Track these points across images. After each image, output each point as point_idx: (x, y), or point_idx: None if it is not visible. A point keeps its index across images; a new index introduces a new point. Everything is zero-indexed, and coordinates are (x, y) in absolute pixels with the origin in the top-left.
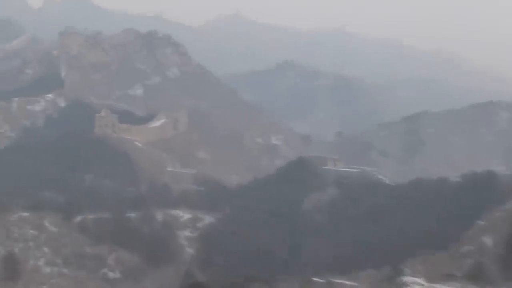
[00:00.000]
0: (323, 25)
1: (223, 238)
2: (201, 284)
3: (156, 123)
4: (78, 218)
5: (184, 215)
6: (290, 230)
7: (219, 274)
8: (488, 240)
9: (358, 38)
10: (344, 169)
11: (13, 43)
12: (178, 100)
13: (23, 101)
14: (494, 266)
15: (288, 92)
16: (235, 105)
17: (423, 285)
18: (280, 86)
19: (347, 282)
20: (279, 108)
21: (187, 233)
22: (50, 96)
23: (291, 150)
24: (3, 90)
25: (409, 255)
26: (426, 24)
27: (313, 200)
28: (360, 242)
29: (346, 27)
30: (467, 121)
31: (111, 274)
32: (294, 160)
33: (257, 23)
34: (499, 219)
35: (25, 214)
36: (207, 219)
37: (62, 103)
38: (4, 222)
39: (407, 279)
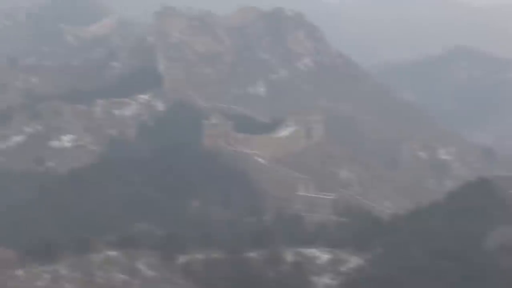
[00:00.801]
0: None
1: (374, 285)
2: None
3: (284, 132)
4: (182, 259)
5: (322, 255)
6: (465, 277)
7: None
8: None
9: None
10: None
11: (95, 27)
12: (312, 101)
13: (109, 104)
14: None
15: (461, 88)
16: (388, 107)
17: None
18: (450, 81)
19: None
20: (449, 111)
21: (326, 279)
22: (144, 97)
23: (467, 167)
24: (83, 90)
25: None
26: None
27: (499, 237)
28: None
29: None
30: None
31: None
32: (471, 182)
33: None
34: None
35: (113, 253)
36: (353, 260)
37: (160, 106)
38: (86, 263)
39: None
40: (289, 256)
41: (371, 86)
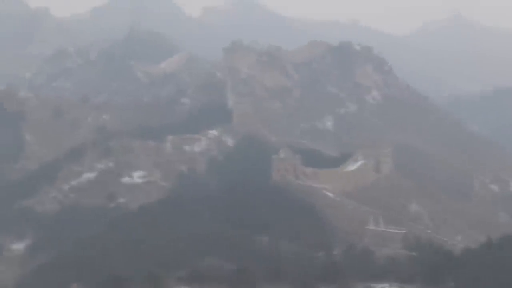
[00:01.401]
0: None
1: None
2: None
3: (352, 166)
4: None
5: None
6: None
7: None
8: None
9: None
10: None
11: (165, 64)
12: (381, 134)
13: (179, 140)
14: None
15: None
16: (458, 139)
17: None
18: None
19: None
20: None
21: None
22: (213, 132)
23: None
24: (154, 126)
25: None
26: None
27: None
28: None
29: None
30: None
31: None
32: None
33: (482, 28)
34: None
35: None
36: None
37: (229, 141)
38: None
39: None
40: None
41: (440, 118)
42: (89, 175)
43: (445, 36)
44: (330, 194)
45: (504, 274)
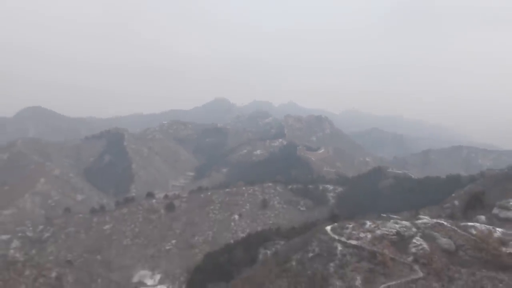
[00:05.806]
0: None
1: (347, 197)
2: (337, 215)
3: (320, 151)
4: (289, 186)
5: (330, 187)
6: (371, 194)
7: (346, 211)
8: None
9: None
10: (397, 171)
11: (266, 121)
12: (330, 143)
13: (269, 141)
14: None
15: (375, 140)
16: (352, 145)
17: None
18: (376, 139)
19: (395, 216)
20: (367, 144)
21: (331, 194)
22: (280, 140)
23: (376, 164)
24: (260, 137)
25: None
26: None
27: (384, 183)
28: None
29: None
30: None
31: (301, 208)
32: (375, 168)
33: (366, 114)
34: (462, 193)
35: (269, 184)
36: (339, 189)
37: (285, 143)
38: (260, 188)
39: (422, 216)
40: (320, 187)
41: (347, 139)
42: (243, 152)
43: (349, 118)
44: (313, 159)
45: (361, 185)
